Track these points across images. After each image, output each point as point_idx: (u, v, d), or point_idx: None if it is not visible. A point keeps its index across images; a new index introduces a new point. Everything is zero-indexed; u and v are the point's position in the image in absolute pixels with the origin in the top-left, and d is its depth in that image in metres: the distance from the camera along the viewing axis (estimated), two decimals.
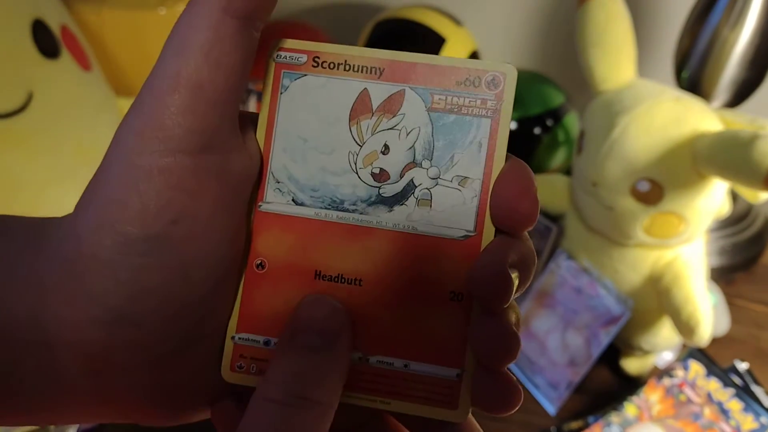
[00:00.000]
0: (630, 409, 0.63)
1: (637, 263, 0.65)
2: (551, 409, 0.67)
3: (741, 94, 0.74)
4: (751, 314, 0.77)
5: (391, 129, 0.23)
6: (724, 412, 0.61)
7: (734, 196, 0.80)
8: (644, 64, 0.70)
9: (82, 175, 0.68)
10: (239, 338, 0.23)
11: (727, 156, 0.54)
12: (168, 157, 0.20)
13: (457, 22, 0.88)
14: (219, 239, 0.21)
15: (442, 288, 0.23)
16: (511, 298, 0.21)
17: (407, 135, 0.23)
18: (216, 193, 0.21)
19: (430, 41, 0.85)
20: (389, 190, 0.23)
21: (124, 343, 0.21)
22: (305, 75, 0.23)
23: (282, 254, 0.23)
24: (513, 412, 0.22)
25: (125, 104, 0.79)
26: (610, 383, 0.70)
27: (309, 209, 0.23)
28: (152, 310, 0.21)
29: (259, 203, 0.23)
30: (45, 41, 0.67)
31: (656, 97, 0.60)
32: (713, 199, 0.60)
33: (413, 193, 0.23)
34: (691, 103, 0.60)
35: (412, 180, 0.23)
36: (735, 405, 0.62)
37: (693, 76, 0.74)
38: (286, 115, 0.23)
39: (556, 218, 0.73)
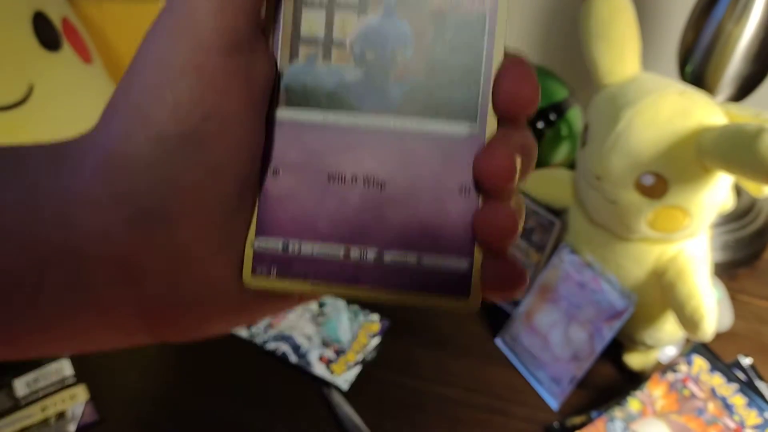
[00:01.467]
0: (633, 404, 0.62)
1: (640, 258, 0.65)
2: (554, 404, 0.67)
3: (745, 89, 0.74)
4: (754, 310, 0.77)
5: (395, 28, 0.23)
6: (728, 407, 0.61)
7: (738, 192, 0.79)
8: (648, 59, 0.70)
9: None
10: (259, 243, 0.24)
11: (732, 149, 0.54)
12: (199, 55, 0.20)
13: None
14: (246, 139, 0.22)
15: (450, 182, 0.23)
16: (515, 183, 0.22)
17: (411, 34, 0.23)
18: (243, 93, 0.22)
19: None
20: (395, 87, 0.23)
21: (156, 245, 0.21)
22: None
23: (296, 159, 0.24)
24: (520, 293, 0.23)
25: None
26: (613, 378, 0.70)
27: (319, 114, 0.24)
28: (184, 210, 0.21)
29: (272, 111, 0.24)
30: (46, 33, 0.67)
31: (661, 91, 0.59)
32: (718, 193, 0.60)
33: (420, 91, 0.23)
34: (696, 96, 0.60)
35: (417, 78, 0.23)
36: (739, 400, 0.62)
37: (697, 71, 0.74)
38: (290, 22, 0.24)
39: (559, 212, 0.73)
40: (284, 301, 0.25)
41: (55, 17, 0.70)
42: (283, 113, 0.24)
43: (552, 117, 0.84)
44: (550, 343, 0.69)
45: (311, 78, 0.24)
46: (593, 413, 0.64)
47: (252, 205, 0.24)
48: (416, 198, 0.24)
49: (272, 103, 0.24)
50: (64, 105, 0.67)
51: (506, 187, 0.22)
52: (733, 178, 0.60)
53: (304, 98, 0.24)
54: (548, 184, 0.74)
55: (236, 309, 0.24)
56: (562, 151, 0.85)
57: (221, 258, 0.23)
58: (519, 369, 0.71)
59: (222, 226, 0.22)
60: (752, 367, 0.67)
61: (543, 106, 0.83)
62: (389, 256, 0.24)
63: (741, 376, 0.64)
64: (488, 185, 0.23)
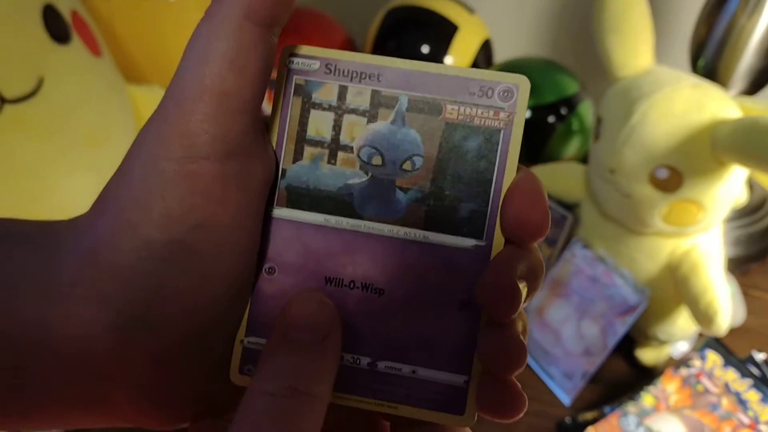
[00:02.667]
0: (647, 399, 0.62)
1: (654, 252, 0.64)
2: (566, 399, 0.67)
3: (758, 83, 0.73)
4: (766, 304, 0.77)
5: (404, 137, 0.23)
6: (742, 403, 0.61)
7: (750, 187, 0.79)
8: (660, 53, 0.69)
9: (91, 161, 0.67)
10: (248, 342, 0.23)
11: (747, 142, 0.53)
12: (193, 164, 0.20)
13: (469, 9, 0.87)
14: (239, 245, 0.21)
15: (451, 296, 0.23)
16: (519, 309, 0.21)
17: (421, 143, 0.23)
18: (238, 198, 0.21)
19: (442, 29, 0.84)
20: (400, 196, 0.23)
21: (136, 349, 0.20)
22: (317, 81, 0.23)
23: (292, 260, 0.23)
24: (517, 418, 0.22)
25: (135, 91, 0.79)
26: (625, 373, 0.70)
27: (320, 216, 0.23)
28: (168, 316, 0.20)
29: (271, 209, 0.23)
30: (56, 26, 0.66)
31: (675, 84, 0.59)
32: (732, 186, 0.60)
33: (425, 202, 0.23)
34: (710, 89, 0.59)
35: (424, 188, 0.23)
36: (753, 395, 0.61)
37: (709, 65, 0.73)
38: (297, 121, 0.23)
39: (571, 207, 0.72)
40: None
41: (65, 10, 0.69)
42: (282, 212, 0.23)
43: (563, 111, 0.83)
44: (562, 338, 0.68)
45: (314, 179, 0.23)
46: (606, 408, 0.63)
47: (244, 304, 0.23)
48: (415, 309, 0.23)
49: (271, 202, 0.23)
50: (73, 98, 0.67)
51: (510, 314, 0.21)
52: (748, 171, 0.60)
53: (306, 199, 0.23)
54: (560, 178, 0.74)
55: (223, 403, 0.24)
56: (573, 146, 0.85)
57: (206, 357, 0.22)
58: (531, 364, 0.71)
59: (210, 328, 0.22)
60: (766, 362, 0.67)
61: (554, 100, 0.83)
62: (383, 365, 0.23)
63: (755, 371, 0.64)
64: (489, 306, 0.22)
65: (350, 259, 0.23)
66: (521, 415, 0.22)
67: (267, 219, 0.23)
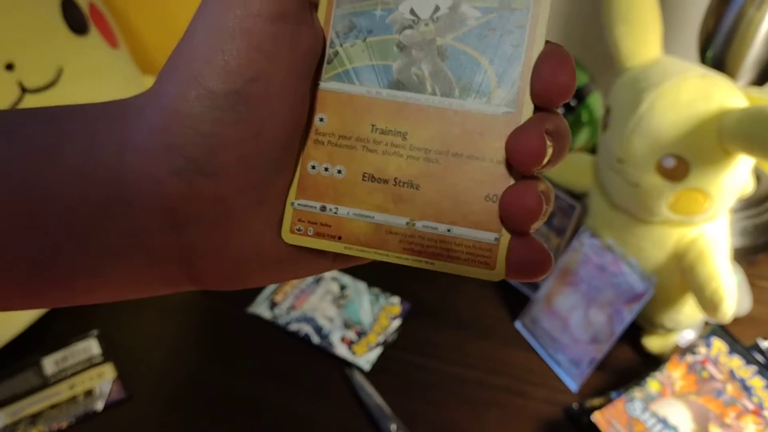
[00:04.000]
0: (653, 384, 0.63)
1: (660, 241, 0.65)
2: (573, 385, 0.68)
3: (766, 73, 0.74)
4: None
5: (439, 16, 0.24)
6: (747, 389, 0.62)
7: (758, 178, 0.80)
8: (669, 44, 0.70)
9: None
10: (298, 204, 0.25)
11: (753, 132, 0.54)
12: (248, 20, 0.22)
13: None
14: (289, 103, 0.23)
15: (484, 159, 0.24)
16: (544, 163, 0.23)
17: (456, 22, 0.24)
18: (289, 59, 0.23)
19: None
20: (437, 70, 0.25)
21: (201, 195, 0.23)
22: None
23: (338, 128, 0.25)
24: (544, 276, 0.24)
25: (151, 82, 0.80)
26: (631, 361, 0.71)
27: (363, 87, 0.25)
28: (228, 164, 0.23)
29: (319, 81, 0.25)
30: (74, 18, 0.68)
31: (682, 74, 0.60)
32: (738, 175, 0.60)
33: (460, 74, 0.24)
34: (717, 79, 0.60)
35: (459, 61, 0.24)
36: (757, 382, 0.62)
37: (718, 55, 0.74)
38: (343, 1, 0.25)
39: (579, 196, 0.73)
40: (319, 261, 0.27)
41: (83, 2, 0.71)
42: (328, 84, 0.25)
43: (572, 103, 0.84)
44: (569, 325, 0.69)
45: (358, 54, 0.25)
46: (612, 393, 0.64)
47: (293, 167, 0.25)
48: (451, 170, 0.25)
49: (318, 74, 0.25)
50: (91, 88, 0.68)
51: (535, 165, 0.23)
52: (754, 160, 0.61)
53: (351, 72, 0.25)
54: (569, 169, 0.75)
55: (273, 263, 0.26)
56: (582, 137, 0.86)
57: (260, 213, 0.25)
58: (538, 351, 0.72)
59: (263, 182, 0.24)
60: None
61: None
62: (421, 224, 0.25)
63: (760, 358, 0.65)
64: (518, 162, 0.24)
65: (392, 126, 0.25)
66: (546, 274, 0.24)
67: (315, 90, 0.25)
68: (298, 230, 0.26)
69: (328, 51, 0.25)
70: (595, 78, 0.87)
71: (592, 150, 0.85)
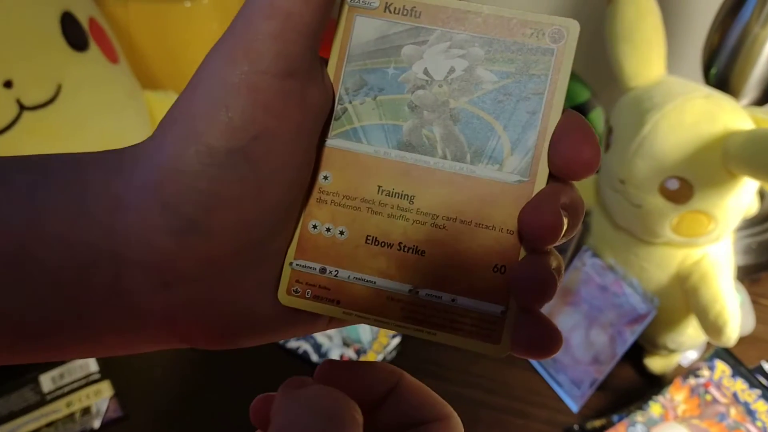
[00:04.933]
0: (655, 408, 0.62)
1: (663, 261, 0.65)
2: (574, 406, 0.67)
3: None
4: None
5: (454, 78, 0.24)
6: (751, 413, 0.61)
7: (762, 196, 0.79)
8: (673, 61, 0.69)
9: None
10: (296, 264, 0.25)
11: (758, 155, 0.54)
12: (256, 77, 0.21)
13: None
14: (293, 162, 0.23)
15: (494, 229, 0.24)
16: (558, 239, 0.22)
17: (471, 85, 0.24)
18: (296, 117, 0.22)
19: None
20: (450, 134, 0.24)
21: (193, 254, 0.22)
22: (377, 19, 0.24)
23: (342, 187, 0.24)
24: (552, 355, 0.23)
25: (151, 97, 0.80)
26: (633, 382, 0.70)
27: (371, 147, 0.24)
28: (224, 223, 0.22)
29: (326, 138, 0.24)
30: (74, 34, 0.67)
31: (687, 95, 0.59)
32: (743, 197, 0.60)
33: (472, 138, 0.24)
34: (722, 100, 0.59)
35: (472, 125, 0.24)
36: (762, 406, 0.61)
37: (722, 73, 0.73)
38: (355, 57, 0.24)
39: None
40: (314, 323, 0.26)
41: (82, 17, 0.70)
42: (335, 142, 0.24)
43: None
44: (570, 345, 0.69)
45: (368, 113, 0.24)
46: (614, 417, 0.64)
47: (293, 227, 0.24)
48: (459, 239, 0.24)
49: (325, 131, 0.24)
50: (91, 105, 0.68)
51: (550, 241, 0.22)
52: (759, 183, 0.60)
53: (359, 131, 0.24)
54: None
55: (266, 324, 0.25)
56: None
57: (256, 273, 0.24)
58: (539, 371, 0.71)
59: (261, 243, 0.23)
60: None
61: (564, 107, 0.83)
62: (425, 292, 0.24)
63: (764, 381, 0.64)
64: (532, 237, 0.23)
65: (398, 189, 0.24)
66: (554, 353, 0.23)
67: (321, 147, 0.24)
68: (296, 292, 0.25)
69: (337, 107, 0.24)
70: (597, 94, 0.87)
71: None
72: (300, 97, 0.22)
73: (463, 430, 0.26)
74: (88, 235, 0.22)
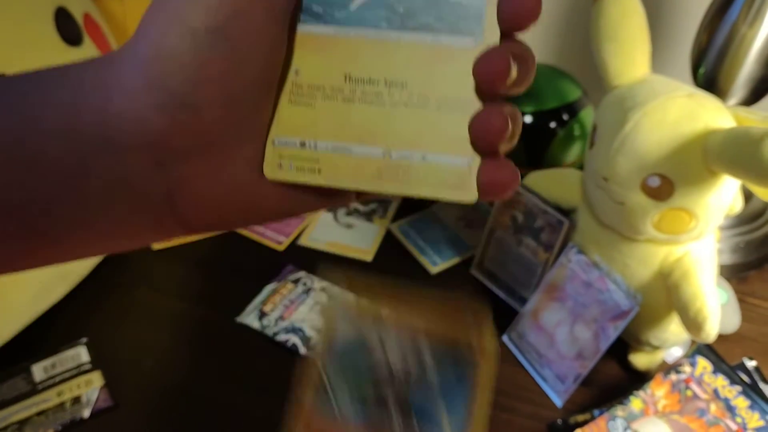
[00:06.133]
0: (635, 403, 0.63)
1: (646, 258, 0.65)
2: (558, 401, 0.68)
3: (758, 92, 0.74)
4: (763, 312, 0.77)
5: None
6: (731, 409, 0.62)
7: (748, 195, 0.79)
8: (661, 60, 0.70)
9: None
10: (278, 141, 0.27)
11: (737, 153, 0.54)
12: None
13: None
14: (268, 41, 0.24)
15: (453, 89, 0.25)
16: (510, 84, 0.24)
17: None
18: None
19: None
20: (405, 6, 0.25)
21: (184, 128, 0.24)
22: None
23: (315, 68, 0.26)
24: (509, 194, 0.26)
25: None
26: (618, 377, 0.71)
27: (337, 29, 0.26)
28: (210, 97, 0.24)
29: (296, 24, 0.26)
30: (68, 29, 0.68)
31: (669, 93, 0.60)
32: (724, 195, 0.60)
33: (426, 6, 0.25)
34: (704, 99, 0.60)
35: None
36: (742, 402, 0.62)
37: (710, 73, 0.74)
38: None
39: (568, 212, 0.73)
40: (302, 197, 0.28)
41: (77, 13, 0.71)
42: (304, 26, 0.26)
43: (565, 117, 0.84)
44: (555, 341, 0.69)
45: None
46: (595, 411, 0.64)
47: (273, 105, 0.26)
48: (422, 102, 0.26)
49: (294, 16, 0.26)
50: None
51: (500, 85, 0.24)
52: (739, 181, 0.61)
53: (325, 13, 0.26)
54: (558, 184, 0.75)
55: (257, 201, 0.27)
56: (574, 151, 0.86)
57: (243, 151, 0.26)
58: (525, 366, 0.72)
59: (244, 118, 0.25)
60: (757, 369, 0.68)
61: (556, 105, 0.84)
62: (396, 153, 0.26)
63: (745, 378, 0.65)
64: (484, 83, 0.25)
65: (366, 62, 0.26)
66: (513, 189, 0.26)
67: (292, 33, 0.26)
68: (279, 166, 0.27)
69: None
70: (588, 92, 0.88)
71: (582, 164, 0.85)
72: None
73: None
74: (84, 125, 0.24)
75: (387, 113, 0.26)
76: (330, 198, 0.28)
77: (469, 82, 0.25)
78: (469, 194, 0.26)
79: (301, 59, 0.26)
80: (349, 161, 0.26)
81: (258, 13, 0.24)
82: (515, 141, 0.25)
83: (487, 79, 0.25)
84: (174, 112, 0.23)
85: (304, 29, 0.26)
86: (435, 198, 0.26)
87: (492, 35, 0.25)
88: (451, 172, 0.26)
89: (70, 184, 0.24)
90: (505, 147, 0.25)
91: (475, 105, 0.25)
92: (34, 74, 0.25)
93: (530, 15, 0.24)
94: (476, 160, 0.25)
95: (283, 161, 0.27)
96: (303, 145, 0.27)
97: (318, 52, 0.26)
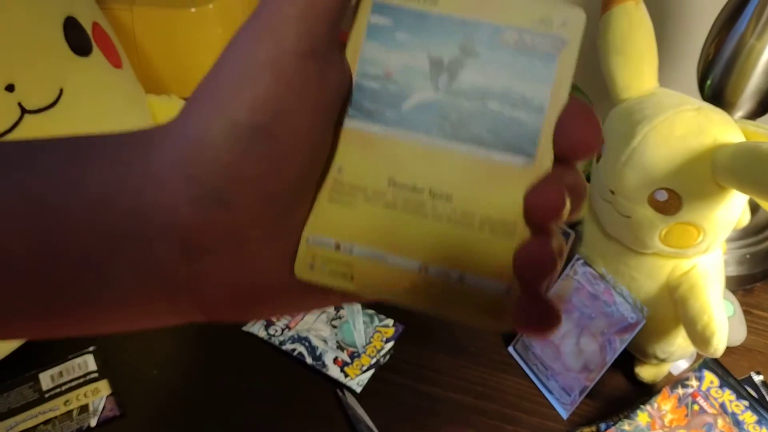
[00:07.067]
0: (642, 417, 0.63)
1: (653, 271, 0.65)
2: (564, 413, 0.68)
3: (765, 104, 0.74)
4: None
5: (465, 62, 0.25)
6: (738, 424, 0.62)
7: (755, 207, 0.79)
8: (668, 72, 0.70)
9: None
10: (313, 240, 0.25)
11: (746, 167, 0.54)
12: (278, 56, 0.22)
13: None
14: (312, 139, 0.24)
15: (499, 210, 0.24)
16: (561, 219, 0.23)
17: (480, 69, 0.25)
18: (315, 96, 0.23)
19: None
20: (459, 115, 0.25)
21: (217, 224, 0.23)
22: (393, 6, 0.25)
23: (359, 167, 0.25)
24: (551, 333, 0.24)
25: (154, 101, 0.81)
26: (623, 389, 0.70)
27: (386, 129, 0.25)
28: (245, 196, 0.23)
29: (343, 119, 0.25)
30: (76, 38, 0.69)
31: (677, 107, 0.60)
32: (732, 210, 0.60)
33: (481, 119, 0.25)
34: (712, 113, 0.60)
35: (480, 106, 0.25)
36: (749, 417, 0.62)
37: (717, 85, 0.74)
38: (371, 43, 0.25)
39: (574, 224, 0.73)
40: (328, 297, 0.27)
41: (86, 22, 0.71)
42: (352, 122, 0.25)
43: None
44: (561, 353, 0.69)
45: (382, 95, 0.25)
46: (602, 425, 0.64)
47: (311, 202, 0.25)
48: (468, 219, 0.25)
49: (343, 111, 0.25)
50: (92, 109, 0.69)
51: (552, 220, 0.24)
52: (747, 196, 0.61)
53: (373, 112, 0.25)
54: None
55: (283, 297, 0.26)
56: (579, 163, 0.86)
57: (275, 246, 0.25)
58: (531, 378, 0.72)
59: (279, 216, 0.24)
60: (764, 383, 0.67)
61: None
62: (434, 269, 0.25)
63: (752, 392, 0.64)
64: (535, 217, 0.24)
65: (410, 169, 0.25)
66: (552, 331, 0.24)
67: (338, 127, 0.25)
68: (311, 266, 0.25)
69: (356, 87, 0.25)
70: (593, 103, 0.87)
71: (589, 177, 0.85)
72: (320, 77, 0.23)
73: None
74: (118, 209, 0.23)
75: (428, 226, 0.25)
76: (357, 298, 0.28)
77: (518, 206, 0.24)
78: (503, 324, 0.25)
79: (345, 156, 0.25)
80: (383, 271, 0.25)
81: (306, 110, 0.23)
82: (557, 275, 0.24)
83: (539, 213, 0.24)
84: (207, 209, 0.23)
85: (351, 125, 0.25)
86: (467, 322, 0.25)
87: (546, 158, 0.24)
88: (487, 297, 0.25)
89: (95, 261, 0.23)
90: (547, 282, 0.24)
91: (521, 232, 0.24)
92: (71, 139, 0.24)
93: (588, 148, 0.24)
94: (515, 288, 0.24)
95: (315, 262, 0.25)
96: (338, 247, 0.25)
97: (363, 150, 0.25)
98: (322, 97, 0.24)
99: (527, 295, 0.24)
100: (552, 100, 0.24)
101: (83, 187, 0.23)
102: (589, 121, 0.24)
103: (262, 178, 0.23)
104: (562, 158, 0.24)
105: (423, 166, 0.25)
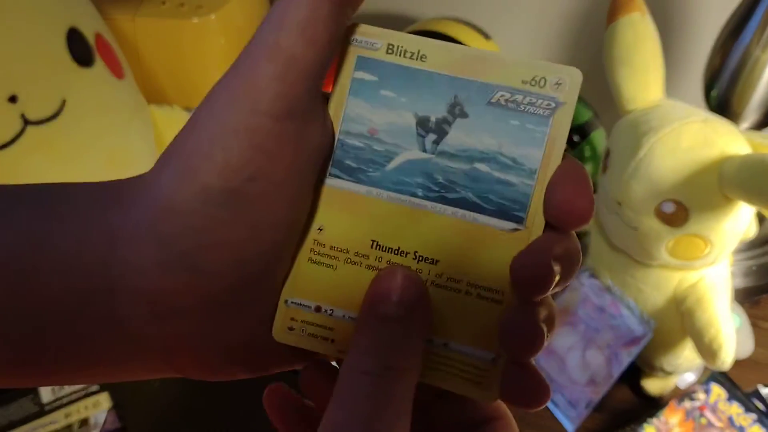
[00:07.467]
0: (649, 430, 0.62)
1: (660, 284, 0.65)
2: (570, 427, 0.67)
3: None
4: None
5: (453, 122, 0.24)
6: None
7: (761, 219, 0.79)
8: (674, 83, 0.70)
9: None
10: (292, 302, 0.24)
11: (753, 179, 0.54)
12: (255, 118, 0.21)
13: (485, 35, 0.88)
14: (288, 203, 0.23)
15: (486, 277, 0.23)
16: (549, 291, 0.22)
17: (469, 129, 0.24)
18: (291, 158, 0.22)
19: None
20: (446, 177, 0.24)
21: (187, 288, 0.22)
22: (378, 61, 0.24)
23: (340, 227, 0.24)
24: (539, 408, 0.23)
25: (156, 112, 0.80)
26: (630, 402, 0.70)
27: (370, 189, 0.24)
28: (218, 262, 0.22)
29: (324, 178, 0.24)
30: (79, 49, 0.68)
31: (684, 119, 0.59)
32: (739, 222, 0.60)
33: (468, 181, 0.24)
34: (719, 125, 0.59)
35: (468, 168, 0.24)
36: (757, 430, 0.61)
37: (722, 96, 0.74)
38: (356, 99, 0.24)
39: (579, 236, 0.73)
40: (307, 358, 0.26)
41: (89, 33, 0.71)
42: (334, 181, 0.24)
43: (575, 138, 0.84)
44: (567, 366, 0.69)
45: (366, 154, 0.24)
46: None
47: (288, 263, 0.24)
48: (452, 284, 0.24)
49: (324, 169, 0.24)
50: (95, 120, 0.69)
51: (539, 293, 0.22)
52: (755, 208, 0.60)
53: (356, 171, 0.24)
54: None
55: (260, 359, 0.25)
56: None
57: (251, 310, 0.24)
58: None
59: (256, 281, 0.23)
60: None
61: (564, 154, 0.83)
62: None
63: (760, 405, 0.64)
64: (521, 288, 0.23)
65: (393, 230, 0.24)
66: (541, 405, 0.23)
67: (319, 185, 0.24)
68: (290, 329, 0.24)
69: (338, 145, 0.24)
70: (599, 114, 0.87)
71: (594, 187, 0.85)
72: (297, 138, 0.22)
73: (517, 429, 0.26)
74: (87, 267, 0.22)
75: None
76: (339, 361, 0.26)
77: (506, 272, 0.23)
78: (489, 394, 0.24)
79: (326, 216, 0.24)
80: None
81: (280, 174, 0.22)
82: (546, 344, 0.23)
83: (524, 286, 0.23)
84: (178, 274, 0.22)
85: (333, 183, 0.24)
86: (453, 390, 0.24)
87: (537, 224, 0.23)
88: (473, 365, 0.23)
89: (63, 319, 0.22)
90: (536, 353, 0.23)
91: (508, 299, 0.23)
92: (37, 191, 0.23)
93: (580, 218, 0.22)
94: (503, 358, 0.23)
95: (294, 324, 0.24)
96: (318, 310, 0.24)
97: (345, 210, 0.24)
98: (300, 158, 0.23)
99: (515, 367, 0.23)
100: (544, 162, 0.23)
101: (51, 243, 0.22)
102: (580, 187, 0.22)
103: (236, 243, 0.22)
104: (555, 225, 0.23)
105: (408, 228, 0.24)
